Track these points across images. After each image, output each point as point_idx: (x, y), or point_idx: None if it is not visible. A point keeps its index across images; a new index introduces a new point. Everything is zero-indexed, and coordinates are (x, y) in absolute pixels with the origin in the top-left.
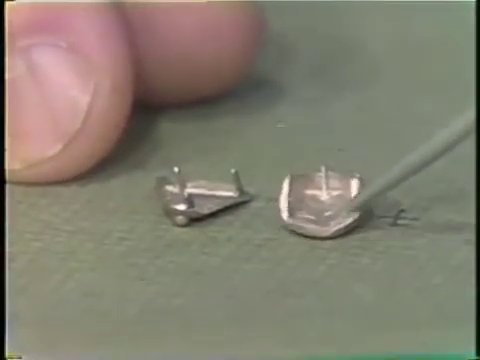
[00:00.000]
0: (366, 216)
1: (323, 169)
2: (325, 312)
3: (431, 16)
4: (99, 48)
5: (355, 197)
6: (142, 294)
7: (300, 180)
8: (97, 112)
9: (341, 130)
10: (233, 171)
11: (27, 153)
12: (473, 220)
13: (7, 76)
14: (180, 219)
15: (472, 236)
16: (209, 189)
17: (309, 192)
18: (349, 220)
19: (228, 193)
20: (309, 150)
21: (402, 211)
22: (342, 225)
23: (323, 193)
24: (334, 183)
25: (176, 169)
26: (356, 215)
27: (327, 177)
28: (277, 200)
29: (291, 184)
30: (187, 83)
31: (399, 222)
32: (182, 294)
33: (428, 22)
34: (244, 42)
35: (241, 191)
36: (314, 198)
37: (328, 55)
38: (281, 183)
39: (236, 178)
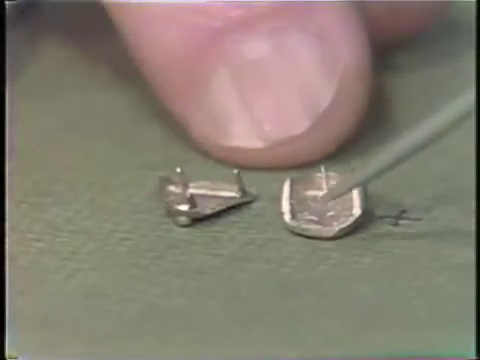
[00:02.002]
0: (368, 216)
1: (323, 169)
2: (327, 312)
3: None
4: (345, 36)
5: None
6: (144, 294)
7: (300, 181)
8: (343, 95)
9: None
10: (235, 171)
11: (272, 132)
12: (474, 220)
13: (251, 57)
14: (182, 219)
15: (473, 236)
16: (211, 189)
17: (310, 193)
18: (352, 220)
19: (230, 193)
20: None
21: (404, 211)
22: (345, 225)
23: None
24: (334, 183)
25: (179, 169)
26: (358, 215)
27: (327, 177)
28: (279, 200)
29: (291, 186)
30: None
31: (401, 222)
32: (184, 294)
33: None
34: None
35: (243, 191)
36: (315, 199)
37: None
38: (283, 183)
39: (238, 178)
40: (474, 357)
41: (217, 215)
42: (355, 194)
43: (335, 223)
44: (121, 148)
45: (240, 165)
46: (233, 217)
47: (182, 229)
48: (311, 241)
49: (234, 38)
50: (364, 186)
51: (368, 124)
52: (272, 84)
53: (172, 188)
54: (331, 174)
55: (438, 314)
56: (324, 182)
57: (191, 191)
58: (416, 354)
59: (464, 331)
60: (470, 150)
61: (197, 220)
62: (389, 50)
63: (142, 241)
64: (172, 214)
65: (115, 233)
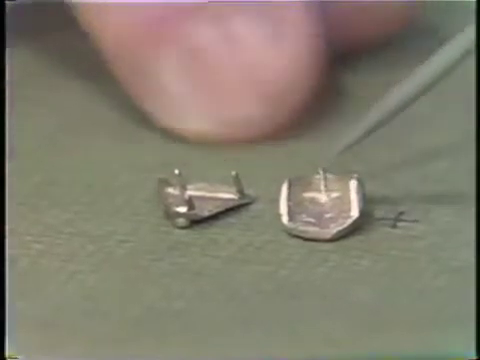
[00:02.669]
0: (366, 218)
1: (321, 171)
2: (326, 314)
3: (431, 16)
4: (291, 12)
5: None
6: (143, 296)
7: (298, 183)
8: (293, 74)
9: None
10: (233, 173)
11: (222, 113)
12: (473, 222)
13: (198, 42)
14: (181, 221)
15: (472, 238)
16: (210, 191)
17: (308, 195)
18: (349, 222)
19: (229, 195)
20: (309, 151)
21: (402, 213)
22: (343, 227)
23: (322, 195)
24: (332, 185)
25: (177, 171)
26: (356, 217)
27: (325, 179)
28: (277, 202)
29: (290, 187)
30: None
31: (399, 224)
32: (183, 296)
33: (429, 22)
34: None
35: (242, 193)
36: (313, 201)
37: None
38: (281, 185)
39: (237, 180)
40: (474, 357)
41: (215, 217)
42: (353, 196)
43: (333, 225)
44: (120, 150)
45: (196, 143)
46: (231, 219)
47: (181, 231)
48: (309, 243)
49: (182, 24)
50: (362, 188)
51: None
52: (220, 67)
53: (170, 190)
54: (329, 176)
55: (438, 316)
56: (322, 184)
57: (189, 193)
58: (416, 355)
59: (464, 332)
60: (469, 151)
61: (195, 222)
62: (364, 51)
63: (141, 243)
64: (171, 216)
65: (114, 235)
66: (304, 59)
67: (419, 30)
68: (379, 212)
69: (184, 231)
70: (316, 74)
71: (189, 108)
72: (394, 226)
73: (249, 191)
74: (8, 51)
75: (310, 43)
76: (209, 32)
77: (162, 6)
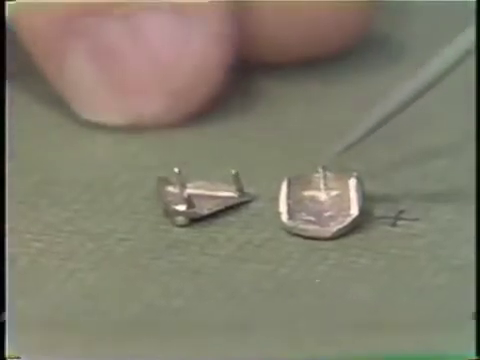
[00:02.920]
0: (366, 217)
1: (320, 170)
2: (325, 312)
3: (432, 16)
4: (200, 11)
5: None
6: (142, 295)
7: (298, 181)
8: (199, 70)
9: (340, 129)
10: (233, 171)
11: (129, 108)
12: (473, 220)
13: (107, 38)
14: (180, 219)
15: (472, 236)
16: (209, 190)
17: (308, 193)
18: (349, 220)
19: (228, 193)
20: (309, 150)
21: (402, 212)
22: (343, 225)
23: (322, 194)
24: (332, 183)
25: (176, 170)
26: (356, 215)
27: (325, 177)
28: (277, 200)
29: (289, 186)
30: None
31: (399, 223)
32: (182, 294)
33: (430, 22)
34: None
35: (241, 191)
36: (313, 199)
37: None
38: (281, 183)
39: (236, 178)
40: (474, 357)
41: (215, 215)
42: (353, 194)
43: (332, 223)
44: (120, 149)
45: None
46: (231, 217)
47: (180, 229)
48: (309, 241)
49: (91, 20)
50: (362, 187)
51: None
52: (128, 63)
53: (170, 188)
54: (329, 174)
55: (437, 314)
56: (322, 182)
57: (189, 191)
58: (416, 354)
59: (464, 331)
60: (469, 150)
61: (195, 220)
62: (319, 61)
63: (140, 241)
64: (170, 214)
65: (114, 233)
66: (210, 57)
67: (372, 41)
68: (379, 210)
69: (183, 229)
70: (222, 71)
71: (100, 102)
72: (394, 224)
73: (249, 189)
74: (8, 50)
75: (217, 41)
76: (117, 29)
77: (70, 3)
